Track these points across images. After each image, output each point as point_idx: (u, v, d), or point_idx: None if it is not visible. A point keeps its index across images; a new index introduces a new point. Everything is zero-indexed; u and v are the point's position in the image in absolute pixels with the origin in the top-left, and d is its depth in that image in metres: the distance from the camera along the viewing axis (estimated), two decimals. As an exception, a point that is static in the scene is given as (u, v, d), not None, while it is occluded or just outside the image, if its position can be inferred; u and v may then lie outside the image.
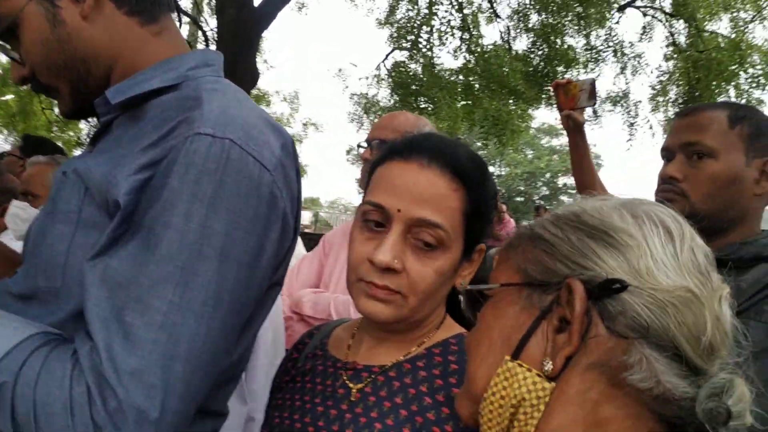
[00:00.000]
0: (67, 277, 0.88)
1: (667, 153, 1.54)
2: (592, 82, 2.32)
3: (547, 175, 27.91)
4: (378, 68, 12.34)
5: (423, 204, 0.95)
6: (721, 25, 10.11)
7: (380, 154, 1.05)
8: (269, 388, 1.18)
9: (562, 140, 28.51)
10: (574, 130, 2.25)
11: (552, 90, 2.38)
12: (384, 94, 12.22)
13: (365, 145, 2.03)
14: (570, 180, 28.99)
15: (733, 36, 9.80)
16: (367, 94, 12.47)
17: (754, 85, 9.49)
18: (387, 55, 11.87)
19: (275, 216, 0.91)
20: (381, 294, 0.95)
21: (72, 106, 1.04)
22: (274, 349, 1.80)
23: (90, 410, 0.74)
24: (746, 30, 9.70)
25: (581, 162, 2.26)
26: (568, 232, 0.68)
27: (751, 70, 9.47)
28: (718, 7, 9.87)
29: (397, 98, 11.05)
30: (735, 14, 9.83)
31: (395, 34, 11.87)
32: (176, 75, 0.97)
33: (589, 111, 10.26)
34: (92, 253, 0.83)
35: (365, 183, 1.07)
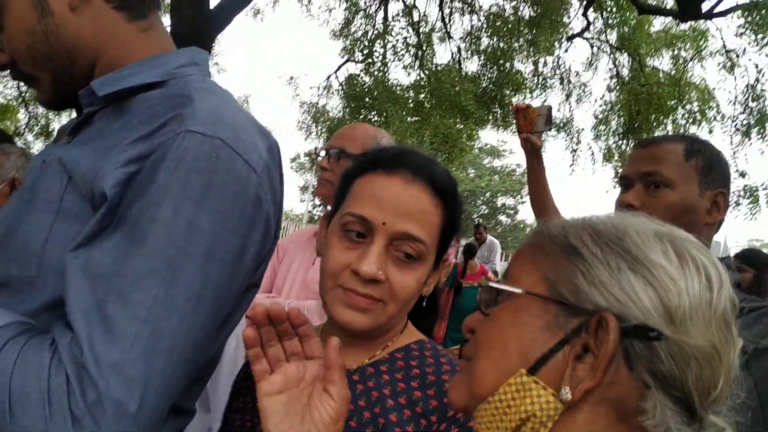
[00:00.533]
0: (43, 266, 0.86)
1: (626, 181, 1.60)
2: (549, 109, 2.45)
3: (487, 195, 28.48)
4: (328, 79, 12.34)
5: (407, 218, 0.97)
6: (663, 62, 10.56)
7: (359, 166, 1.05)
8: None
9: (504, 161, 29.27)
10: (532, 152, 2.33)
11: (512, 113, 2.48)
12: (334, 105, 12.23)
13: (323, 153, 2.05)
14: (509, 200, 29.71)
15: (673, 73, 10.24)
16: (317, 103, 12.43)
17: (690, 121, 9.93)
18: (339, 67, 11.88)
19: (259, 217, 0.91)
20: (362, 302, 0.97)
21: (52, 97, 1.02)
22: (235, 357, 1.76)
23: (68, 401, 0.73)
24: (686, 68, 10.16)
25: (537, 182, 2.34)
26: (608, 256, 0.65)
27: (688, 107, 9.92)
28: (660, 44, 10.32)
29: (348, 109, 11.05)
30: (676, 52, 10.29)
31: (349, 47, 11.92)
32: (164, 71, 0.97)
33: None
34: (74, 244, 0.82)
35: (338, 192, 1.08)
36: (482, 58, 11.76)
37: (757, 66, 8.17)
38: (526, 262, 0.72)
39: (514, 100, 11.66)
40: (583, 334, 0.63)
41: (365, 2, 12.15)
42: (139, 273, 0.78)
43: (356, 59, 11.67)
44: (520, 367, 0.65)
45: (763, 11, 7.34)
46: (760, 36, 7.64)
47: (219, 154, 0.85)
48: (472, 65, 11.89)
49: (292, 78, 12.57)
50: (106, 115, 0.96)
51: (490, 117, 11.70)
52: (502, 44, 11.47)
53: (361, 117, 10.47)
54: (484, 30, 11.74)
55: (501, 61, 11.47)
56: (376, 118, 10.08)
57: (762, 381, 1.27)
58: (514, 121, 2.42)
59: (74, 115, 1.16)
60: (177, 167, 0.82)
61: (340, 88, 11.59)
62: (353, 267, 0.96)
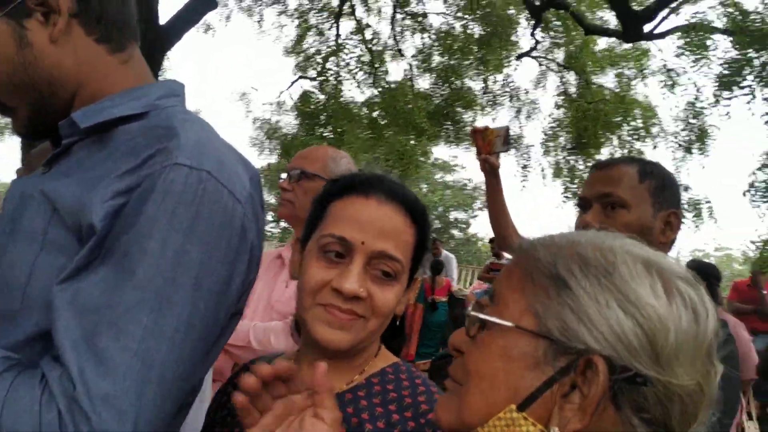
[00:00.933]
0: (27, 299, 0.87)
1: (584, 202, 1.66)
2: (507, 129, 2.49)
3: (440, 209, 28.70)
4: (279, 95, 12.30)
5: (384, 238, 1.01)
6: (608, 80, 10.89)
7: (334, 190, 1.08)
8: (197, 425, 1.18)
9: (455, 176, 29.55)
10: (490, 172, 2.38)
11: (470, 134, 2.49)
12: (287, 121, 12.18)
13: (284, 175, 2.07)
14: (461, 214, 29.99)
15: (618, 90, 10.57)
16: (270, 119, 12.36)
17: (635, 137, 10.26)
18: (292, 83, 11.86)
19: (244, 247, 0.93)
20: (344, 319, 0.99)
21: (28, 127, 1.02)
22: (205, 385, 1.73)
23: None
24: (630, 86, 10.50)
25: (496, 201, 2.40)
26: (597, 291, 0.65)
27: (633, 123, 10.24)
28: (605, 63, 10.65)
29: (302, 126, 11.02)
30: (620, 71, 10.63)
31: (302, 64, 11.91)
32: (145, 103, 0.98)
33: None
34: (62, 277, 0.82)
35: (312, 216, 1.10)
36: (434, 75, 11.91)
37: (695, 84, 8.50)
38: (515, 289, 0.71)
39: (466, 116, 11.86)
40: (572, 373, 0.64)
41: (317, 20, 12.19)
42: (129, 304, 0.79)
43: (309, 76, 11.67)
44: (510, 403, 0.66)
45: (700, 33, 7.65)
46: (697, 56, 7.95)
47: (206, 186, 0.86)
48: (424, 82, 12.05)
49: (244, 94, 12.46)
50: (86, 146, 0.96)
51: (443, 133, 11.84)
52: (453, 62, 11.64)
53: (316, 134, 10.47)
54: (435, 48, 11.90)
55: (452, 79, 11.64)
56: (330, 135, 10.08)
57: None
58: (473, 142, 2.45)
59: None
60: (165, 199, 0.83)
61: (294, 104, 11.56)
62: (334, 285, 0.99)
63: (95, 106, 0.96)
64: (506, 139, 2.42)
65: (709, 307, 0.67)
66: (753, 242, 7.74)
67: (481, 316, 0.72)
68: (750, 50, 7.21)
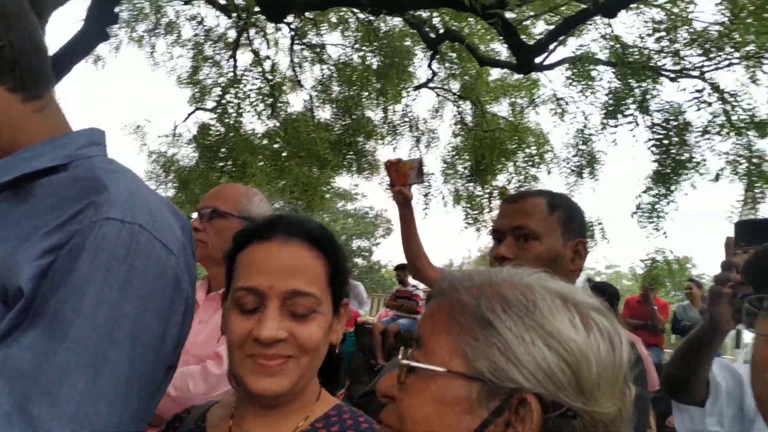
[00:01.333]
0: None
1: (498, 234, 1.73)
2: (420, 162, 2.58)
3: (342, 238, 28.74)
4: (175, 127, 11.91)
5: (291, 276, 1.03)
6: (502, 109, 11.36)
7: (237, 243, 1.11)
8: None
9: (357, 204, 29.73)
10: (404, 204, 2.44)
11: (384, 168, 2.56)
12: (185, 153, 11.81)
13: (195, 215, 2.06)
14: (363, 242, 30.13)
15: (512, 119, 11.03)
16: (166, 152, 11.93)
17: (530, 163, 10.71)
18: (189, 115, 11.52)
19: (179, 299, 0.93)
20: (273, 365, 1.00)
21: None
22: None
23: None
24: (522, 114, 10.99)
25: (409, 232, 2.45)
26: (522, 331, 0.67)
27: (528, 150, 10.69)
28: (499, 93, 11.09)
29: (201, 159, 10.71)
30: (513, 100, 11.10)
31: (198, 95, 11.63)
32: (66, 153, 0.95)
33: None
34: None
35: (226, 273, 1.12)
36: (334, 106, 11.96)
37: (583, 112, 9.00)
38: (441, 333, 0.72)
39: (368, 146, 11.98)
40: (506, 413, 0.66)
41: (213, 50, 11.96)
42: (64, 367, 0.76)
43: (207, 107, 11.41)
44: None
45: (586, 64, 8.12)
46: (583, 86, 8.43)
47: (139, 239, 0.85)
48: (324, 113, 12.07)
49: (138, 127, 11.97)
50: (5, 199, 0.92)
51: (346, 163, 11.89)
52: (352, 93, 11.75)
53: (216, 166, 10.20)
54: (334, 79, 11.97)
55: (352, 109, 11.74)
56: (231, 168, 9.83)
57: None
58: (387, 174, 2.50)
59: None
60: (97, 256, 0.81)
61: (192, 137, 11.23)
62: (254, 334, 0.99)
63: (13, 158, 0.92)
64: (420, 171, 2.51)
65: (622, 333, 0.71)
66: (642, 260, 8.18)
67: (413, 363, 0.72)
68: (631, 81, 7.72)
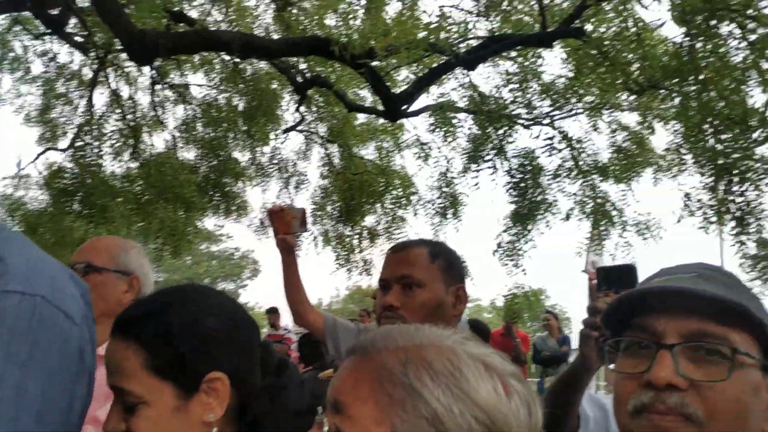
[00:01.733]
0: None
1: (385, 284, 1.82)
2: (303, 211, 2.64)
3: (207, 281, 27.74)
4: (20, 168, 11.05)
5: (113, 374, 0.98)
6: (369, 152, 11.63)
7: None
8: None
9: (221, 246, 28.88)
10: (287, 251, 2.48)
11: (267, 216, 2.58)
12: (33, 196, 10.98)
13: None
14: (229, 285, 29.27)
15: (379, 162, 11.33)
16: (12, 195, 11.04)
17: (397, 205, 11.02)
18: (38, 155, 10.74)
19: (83, 371, 0.91)
20: None
21: None
22: None
23: None
24: (389, 158, 11.33)
25: (292, 280, 2.50)
26: (451, 403, 0.67)
27: (395, 192, 11.00)
28: (366, 137, 11.37)
29: (52, 201, 9.98)
30: (380, 144, 11.43)
31: (49, 135, 10.90)
32: None
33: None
34: None
35: None
36: (199, 146, 11.66)
37: (446, 157, 9.46)
38: (366, 400, 0.69)
39: (236, 188, 11.76)
40: None
41: (66, 88, 11.32)
42: None
43: (59, 148, 10.71)
44: None
45: (447, 112, 8.58)
46: (445, 132, 8.90)
47: (41, 312, 0.82)
48: (189, 154, 11.73)
49: (-21, 170, 10.96)
50: None
51: (212, 205, 11.60)
52: (218, 134, 11.53)
53: (70, 210, 9.53)
54: (198, 119, 11.70)
55: (218, 151, 11.51)
56: (88, 211, 9.20)
57: None
58: (270, 222, 2.53)
59: None
60: None
61: (42, 178, 10.45)
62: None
63: None
64: (303, 221, 2.59)
65: (535, 397, 0.74)
66: (504, 296, 8.66)
67: None
68: (489, 128, 8.26)
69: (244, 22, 8.20)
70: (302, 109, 11.04)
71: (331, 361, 7.34)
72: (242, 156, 11.93)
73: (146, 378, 0.98)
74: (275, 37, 9.48)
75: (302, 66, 10.03)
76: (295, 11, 9.00)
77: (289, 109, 11.52)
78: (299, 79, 9.95)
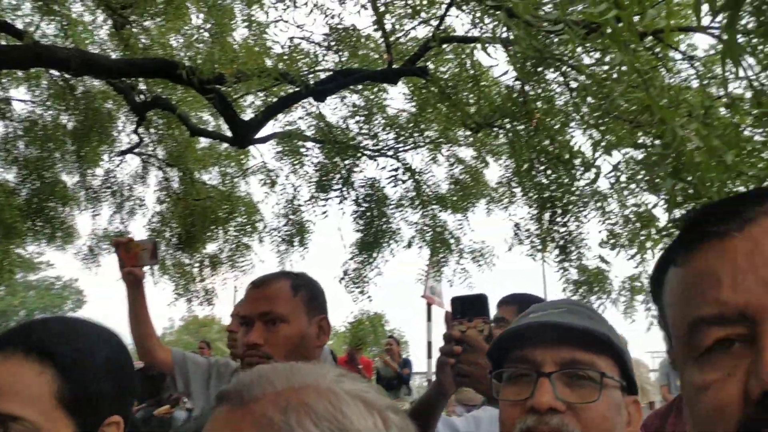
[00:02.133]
0: None
1: (247, 320, 1.78)
2: (154, 243, 2.57)
3: (22, 313, 25.18)
4: None
5: (4, 398, 0.90)
6: (212, 177, 11.33)
7: None
8: None
9: (39, 275, 26.38)
10: (134, 284, 2.41)
11: (113, 247, 2.50)
12: None
13: None
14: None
15: (222, 188, 11.07)
16: None
17: (242, 232, 10.82)
18: None
19: None
20: None
21: None
22: None
23: None
24: (233, 184, 11.11)
25: (139, 314, 2.41)
26: None
27: (239, 219, 10.80)
28: (208, 162, 11.07)
29: None
30: (224, 169, 11.18)
31: None
32: None
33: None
34: None
35: None
36: (20, 167, 10.68)
37: (293, 185, 9.49)
38: None
39: (62, 213, 10.91)
40: None
41: None
42: None
43: None
44: None
45: (294, 140, 8.65)
46: (292, 160, 8.95)
47: None
48: (9, 175, 10.69)
49: None
50: None
51: (34, 230, 10.65)
52: (43, 154, 10.65)
53: None
54: (20, 137, 10.72)
55: (42, 172, 10.62)
56: None
57: None
58: (116, 253, 2.47)
59: None
60: None
61: None
62: None
63: None
64: (154, 253, 2.52)
65: (411, 426, 0.75)
66: (350, 323, 8.82)
67: None
68: (336, 158, 8.42)
69: (78, 38, 7.68)
70: (140, 130, 10.52)
71: (168, 397, 6.98)
72: (70, 179, 11.11)
73: (43, 407, 0.90)
74: (113, 55, 8.97)
75: (141, 86, 9.58)
76: (135, 30, 8.58)
77: (125, 131, 10.94)
78: (138, 99, 9.49)
